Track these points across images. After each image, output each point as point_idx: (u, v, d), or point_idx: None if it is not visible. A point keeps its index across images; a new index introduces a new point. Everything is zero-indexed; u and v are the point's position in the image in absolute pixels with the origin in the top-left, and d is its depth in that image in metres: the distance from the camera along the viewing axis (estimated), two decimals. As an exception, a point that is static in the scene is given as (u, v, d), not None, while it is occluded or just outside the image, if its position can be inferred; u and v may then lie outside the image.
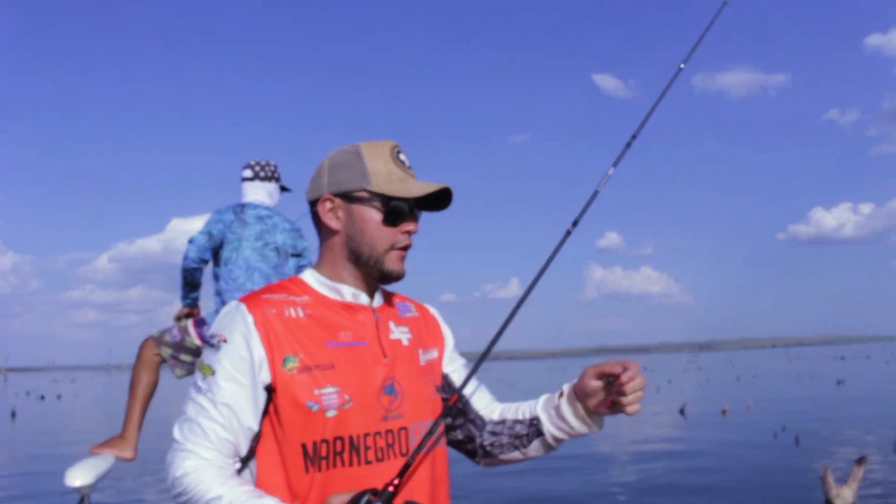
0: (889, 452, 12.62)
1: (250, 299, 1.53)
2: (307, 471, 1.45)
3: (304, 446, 1.46)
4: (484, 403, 1.74)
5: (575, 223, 1.64)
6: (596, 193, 1.65)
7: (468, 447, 1.74)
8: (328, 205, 1.58)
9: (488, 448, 1.71)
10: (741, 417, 20.39)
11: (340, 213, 1.57)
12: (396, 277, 1.60)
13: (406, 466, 1.43)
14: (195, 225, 4.20)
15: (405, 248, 1.59)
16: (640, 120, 1.79)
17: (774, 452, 13.67)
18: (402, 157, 1.60)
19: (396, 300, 1.72)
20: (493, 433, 1.70)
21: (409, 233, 1.59)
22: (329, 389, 1.46)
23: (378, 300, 1.64)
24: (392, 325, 1.64)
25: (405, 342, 1.64)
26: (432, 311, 1.80)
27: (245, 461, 1.51)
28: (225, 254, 4.01)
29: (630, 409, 1.51)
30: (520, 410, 1.70)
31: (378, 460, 1.49)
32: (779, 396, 28.08)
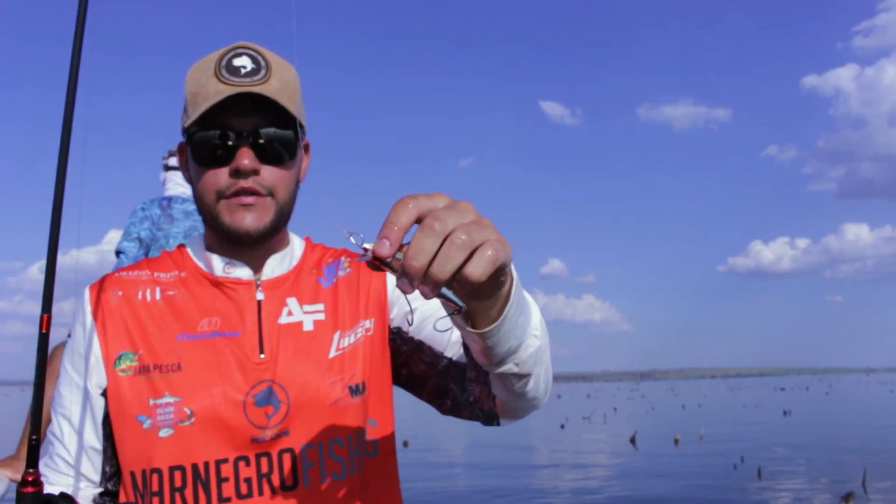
0: (861, 486, 11.97)
1: (98, 282, 1.33)
2: None
3: (132, 475, 1.22)
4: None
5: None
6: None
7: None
8: (184, 154, 1.33)
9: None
10: (695, 447, 20.15)
11: (189, 163, 1.31)
12: (239, 235, 1.26)
13: None
14: (129, 244, 3.72)
15: (238, 194, 1.24)
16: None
17: (737, 484, 13.17)
18: (236, 61, 1.25)
19: (327, 260, 1.40)
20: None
21: (239, 172, 1.23)
22: (167, 399, 1.20)
23: (274, 269, 1.34)
24: (293, 302, 1.32)
25: (309, 326, 1.30)
26: None
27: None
28: (151, 254, 3.55)
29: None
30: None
31: (242, 497, 1.18)
32: (729, 426, 28.24)
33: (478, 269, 0.78)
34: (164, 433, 1.20)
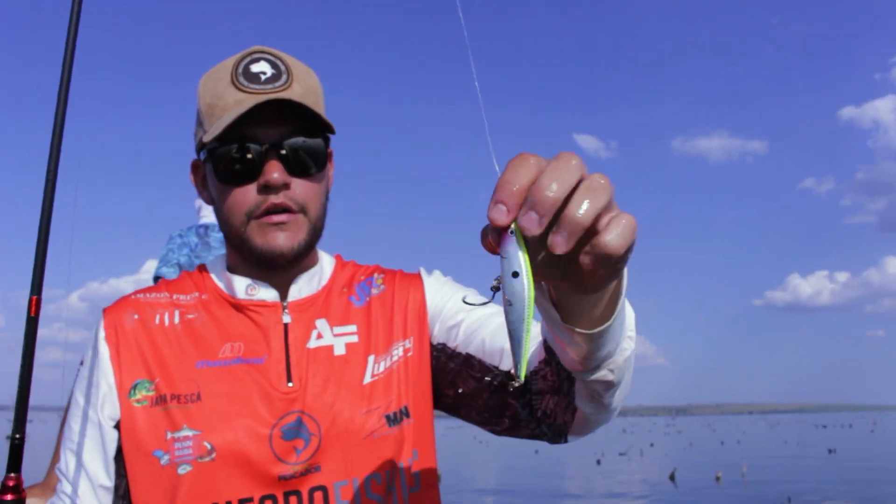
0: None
1: (114, 304, 1.25)
2: None
3: None
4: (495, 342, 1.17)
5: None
6: None
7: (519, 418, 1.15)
8: (199, 172, 1.26)
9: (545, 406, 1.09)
10: (737, 485, 19.69)
11: (208, 181, 1.23)
12: (274, 258, 1.17)
13: None
14: (168, 269, 3.56)
15: (269, 213, 1.15)
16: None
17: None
18: (254, 67, 1.17)
19: (360, 278, 1.31)
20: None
21: (268, 187, 1.14)
22: (185, 433, 1.11)
23: (302, 290, 1.24)
24: (323, 325, 1.22)
25: (341, 350, 1.21)
26: (420, 271, 1.33)
27: None
28: None
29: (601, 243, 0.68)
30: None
31: None
32: (772, 464, 27.53)
33: (617, 238, 0.66)
34: (182, 470, 1.11)
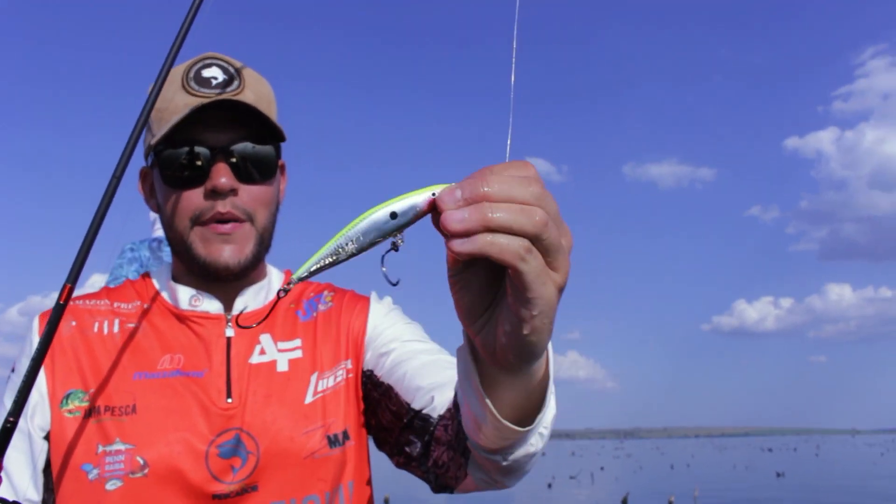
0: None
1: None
2: None
3: None
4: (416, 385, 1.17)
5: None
6: None
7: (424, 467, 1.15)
8: (147, 180, 1.25)
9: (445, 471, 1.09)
10: None
11: (155, 188, 1.21)
12: (217, 270, 1.16)
13: None
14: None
15: (215, 221, 1.14)
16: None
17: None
18: (205, 72, 1.17)
19: (309, 295, 1.32)
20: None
21: (216, 192, 1.14)
22: (117, 446, 1.08)
23: (248, 303, 1.24)
24: (266, 340, 1.22)
25: (284, 366, 1.20)
26: (371, 295, 1.35)
27: None
28: None
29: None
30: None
31: None
32: (722, 488, 27.35)
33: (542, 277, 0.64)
34: (111, 486, 1.08)
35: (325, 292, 1.32)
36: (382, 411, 1.21)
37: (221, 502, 1.09)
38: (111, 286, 1.30)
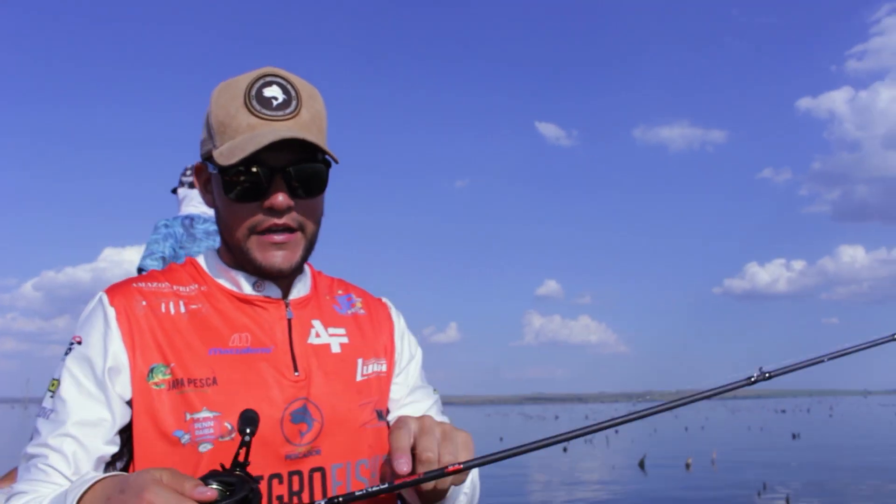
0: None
1: (116, 288, 1.31)
2: None
3: None
4: None
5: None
6: None
7: None
8: (202, 174, 1.38)
9: None
10: (707, 472, 19.80)
11: (213, 186, 1.34)
12: (270, 272, 1.30)
13: None
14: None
15: (270, 231, 1.28)
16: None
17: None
18: (267, 92, 1.27)
19: (338, 290, 1.48)
20: None
21: (273, 210, 1.27)
22: (205, 414, 1.21)
23: (300, 290, 1.39)
24: (318, 324, 1.38)
25: (336, 349, 1.37)
26: (388, 305, 1.52)
27: None
28: None
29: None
30: None
31: None
32: (739, 449, 27.63)
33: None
34: (203, 448, 1.19)
35: (353, 295, 1.47)
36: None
37: (291, 463, 1.23)
38: (156, 267, 1.29)
